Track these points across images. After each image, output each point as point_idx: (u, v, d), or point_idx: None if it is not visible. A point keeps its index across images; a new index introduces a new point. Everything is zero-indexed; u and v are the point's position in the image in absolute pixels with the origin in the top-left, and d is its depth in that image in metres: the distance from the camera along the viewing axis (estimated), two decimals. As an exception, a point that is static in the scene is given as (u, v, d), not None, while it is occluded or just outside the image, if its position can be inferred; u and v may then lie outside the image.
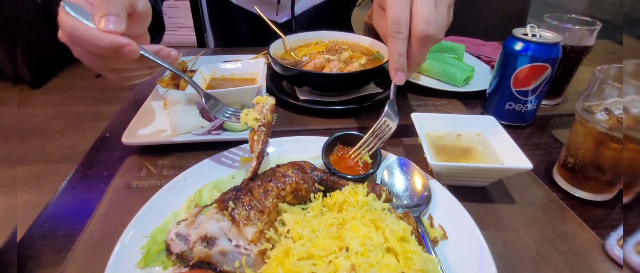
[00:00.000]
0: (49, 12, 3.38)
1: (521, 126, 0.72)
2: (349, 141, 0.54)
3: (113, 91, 3.27)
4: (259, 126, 0.47)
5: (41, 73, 3.29)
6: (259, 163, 0.46)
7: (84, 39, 0.42)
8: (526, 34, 0.65)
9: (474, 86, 0.84)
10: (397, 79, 0.52)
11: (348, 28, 1.26)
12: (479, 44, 1.10)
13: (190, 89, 0.66)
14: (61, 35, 0.45)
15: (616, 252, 0.44)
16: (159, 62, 0.47)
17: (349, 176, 0.48)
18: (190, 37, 3.73)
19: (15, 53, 2.98)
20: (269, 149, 0.57)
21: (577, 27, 0.71)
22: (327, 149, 0.52)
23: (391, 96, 0.55)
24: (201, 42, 3.53)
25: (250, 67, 0.76)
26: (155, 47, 0.48)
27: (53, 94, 3.18)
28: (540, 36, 0.65)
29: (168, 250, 0.39)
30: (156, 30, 0.62)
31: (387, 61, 0.72)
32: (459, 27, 1.35)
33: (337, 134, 0.54)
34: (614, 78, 0.49)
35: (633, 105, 0.44)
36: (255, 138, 0.47)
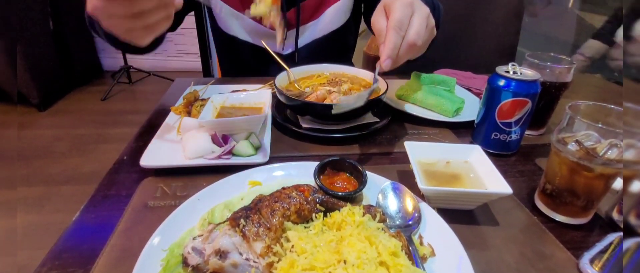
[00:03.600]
0: (60, 38, 3.50)
1: (507, 155, 0.77)
2: (337, 166, 0.60)
3: (118, 114, 3.35)
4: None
5: (49, 96, 3.38)
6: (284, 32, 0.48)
7: None
8: (508, 72, 0.72)
9: (464, 117, 0.90)
10: (386, 65, 0.62)
11: (348, 61, 1.34)
12: (469, 77, 1.17)
13: (202, 116, 0.72)
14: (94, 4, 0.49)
15: (588, 270, 0.48)
16: None
17: (340, 194, 0.54)
18: (196, 63, 3.86)
19: (15, 76, 3.05)
20: (276, 174, 0.62)
21: (555, 66, 0.79)
22: (319, 172, 0.58)
23: (375, 77, 0.74)
24: (206, 68, 3.64)
25: (257, 96, 0.83)
26: None
27: (59, 117, 3.25)
28: (521, 73, 0.72)
29: (185, 263, 0.44)
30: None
31: (383, 93, 0.79)
32: (451, 59, 1.44)
33: (325, 160, 0.60)
34: (582, 114, 0.55)
35: (586, 139, 0.51)
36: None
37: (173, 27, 1.04)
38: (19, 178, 2.35)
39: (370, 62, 2.33)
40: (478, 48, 1.54)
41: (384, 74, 0.95)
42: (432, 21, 0.68)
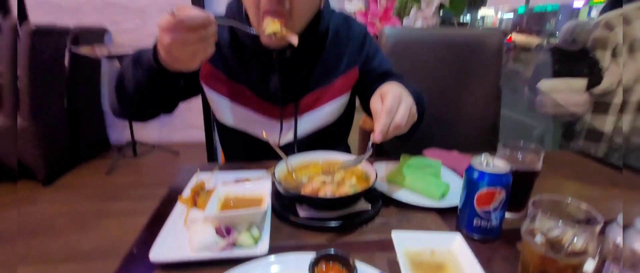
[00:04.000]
0: (72, 115, 3.69)
1: (490, 239, 0.83)
2: (330, 259, 0.65)
3: (121, 188, 3.41)
4: None
5: (55, 171, 3.46)
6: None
7: (192, 15, 0.74)
8: (482, 163, 0.81)
9: (449, 199, 0.97)
10: (378, 139, 0.83)
11: (345, 140, 1.45)
12: (455, 158, 1.27)
13: (207, 210, 0.79)
14: (167, 20, 0.74)
15: None
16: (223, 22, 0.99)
17: None
18: (201, 135, 4.01)
19: (15, 151, 3.15)
20: (274, 267, 0.67)
21: (525, 155, 0.88)
22: (313, 266, 0.63)
23: (368, 149, 0.89)
24: (209, 140, 3.78)
25: (257, 187, 0.90)
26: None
27: (62, 192, 3.30)
28: (493, 165, 0.81)
29: None
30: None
31: (374, 181, 0.88)
32: (440, 138, 1.55)
33: (318, 254, 0.65)
34: (544, 209, 0.63)
35: (551, 230, 0.58)
36: None
37: (170, 110, 1.16)
38: (17, 256, 2.33)
39: (366, 136, 2.46)
40: (464, 127, 1.67)
41: (378, 155, 1.04)
42: (414, 109, 0.90)
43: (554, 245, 0.60)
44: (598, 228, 0.57)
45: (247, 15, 1.09)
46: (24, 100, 3.03)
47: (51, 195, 3.20)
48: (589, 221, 0.60)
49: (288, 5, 0.98)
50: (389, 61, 1.29)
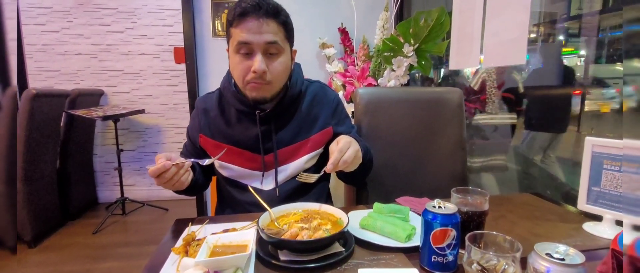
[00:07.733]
0: (63, 175, 3.74)
1: (448, 274, 0.94)
2: None
3: (108, 247, 3.39)
4: None
5: (42, 232, 3.44)
6: None
7: (151, 170, 1.06)
8: (435, 207, 0.95)
9: (415, 241, 1.09)
10: (329, 168, 1.08)
11: (327, 181, 1.58)
12: (424, 203, 1.40)
13: (198, 256, 0.90)
14: (153, 169, 1.07)
15: None
16: (181, 161, 1.13)
17: None
18: (189, 192, 4.04)
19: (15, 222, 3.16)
20: (255, 303, 0.77)
21: (474, 198, 1.03)
22: None
23: (320, 172, 1.18)
24: (200, 197, 3.84)
25: (243, 235, 1.02)
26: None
27: (48, 253, 3.26)
28: (444, 207, 0.94)
29: None
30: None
31: (345, 226, 1.00)
32: (412, 187, 1.69)
33: None
34: (479, 242, 0.76)
35: (486, 261, 0.71)
36: None
37: (204, 188, 1.49)
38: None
39: (349, 187, 2.56)
40: (434, 175, 1.82)
41: (358, 203, 1.17)
42: (360, 154, 1.19)
43: (490, 271, 0.73)
44: (518, 254, 0.70)
45: (236, 84, 1.34)
46: (19, 163, 3.11)
47: (36, 257, 3.16)
48: (511, 249, 0.74)
49: (268, 76, 1.23)
50: (354, 126, 1.57)
